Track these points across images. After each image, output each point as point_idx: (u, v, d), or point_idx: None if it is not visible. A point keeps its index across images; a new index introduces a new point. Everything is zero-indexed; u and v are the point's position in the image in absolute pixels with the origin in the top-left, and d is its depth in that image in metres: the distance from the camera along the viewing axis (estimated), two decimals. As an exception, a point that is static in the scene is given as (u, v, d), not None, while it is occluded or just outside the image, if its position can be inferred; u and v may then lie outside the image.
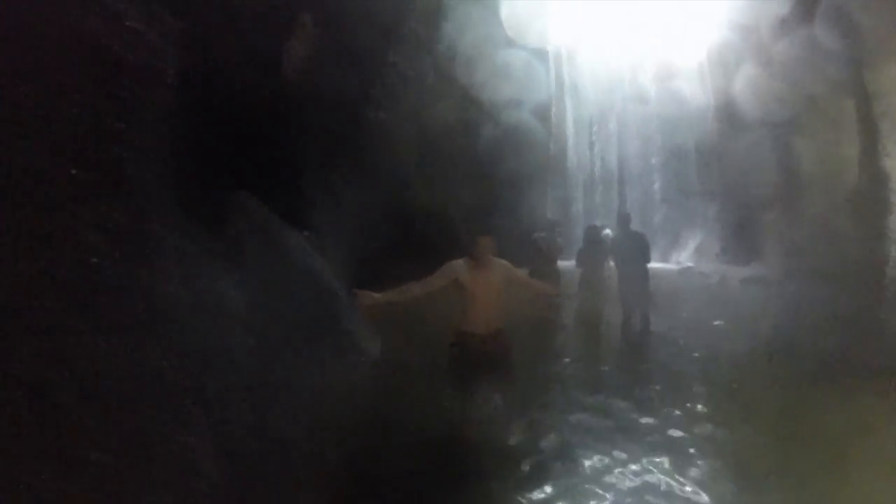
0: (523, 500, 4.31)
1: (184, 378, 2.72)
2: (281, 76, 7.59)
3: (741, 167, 18.45)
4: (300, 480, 3.49)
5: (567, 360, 8.20)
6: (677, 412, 5.95)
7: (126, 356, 2.36)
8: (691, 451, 5.04)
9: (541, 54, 19.76)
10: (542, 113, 20.44)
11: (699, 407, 6.16)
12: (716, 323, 10.21)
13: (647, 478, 4.59)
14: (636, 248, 8.94)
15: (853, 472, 4.48)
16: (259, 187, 6.70)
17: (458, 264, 5.09)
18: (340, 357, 7.00)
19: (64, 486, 1.96)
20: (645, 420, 5.79)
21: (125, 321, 2.39)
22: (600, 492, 4.38)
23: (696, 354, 8.27)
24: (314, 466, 3.88)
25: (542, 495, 4.36)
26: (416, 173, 12.52)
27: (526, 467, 4.79)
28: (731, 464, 4.80)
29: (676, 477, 4.55)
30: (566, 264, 10.49)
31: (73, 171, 2.22)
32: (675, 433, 5.43)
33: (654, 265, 9.48)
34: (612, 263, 9.65)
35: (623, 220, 9.53)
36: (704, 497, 4.24)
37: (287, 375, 5.08)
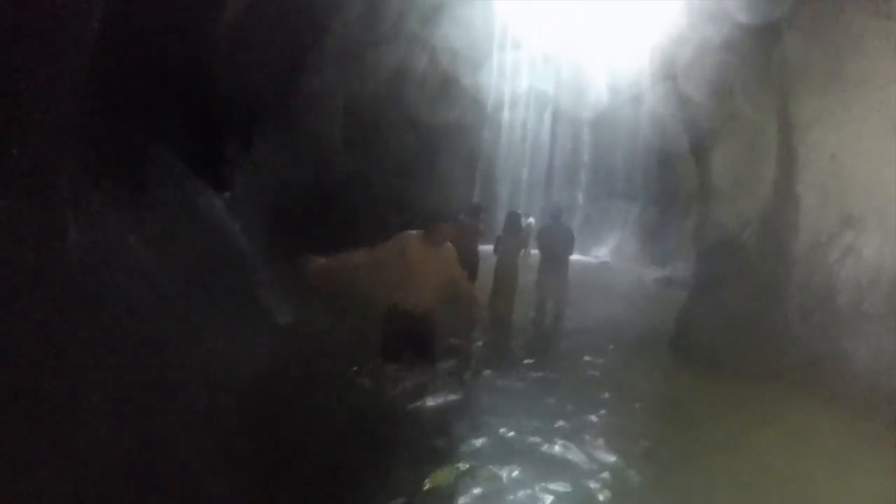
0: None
1: (73, 328, 2.64)
2: (214, 33, 7.35)
3: (663, 174, 19.13)
4: (200, 443, 3.44)
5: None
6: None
7: (12, 303, 2.27)
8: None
9: (483, 40, 19.77)
10: (480, 96, 20.55)
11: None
12: (624, 317, 10.64)
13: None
14: (561, 240, 9.17)
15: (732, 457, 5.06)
16: (178, 144, 6.50)
17: (410, 237, 5.17)
18: (249, 322, 6.89)
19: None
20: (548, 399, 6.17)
21: (14, 267, 2.30)
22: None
23: (612, 346, 8.60)
24: (214, 429, 3.84)
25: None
26: (342, 143, 12.38)
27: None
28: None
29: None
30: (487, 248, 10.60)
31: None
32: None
33: (573, 257, 9.72)
34: (532, 252, 9.85)
35: (555, 210, 9.74)
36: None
37: (188, 335, 4.97)
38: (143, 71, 5.39)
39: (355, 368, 6.09)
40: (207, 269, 6.43)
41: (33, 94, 2.41)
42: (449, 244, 5.38)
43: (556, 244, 9.15)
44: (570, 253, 9.26)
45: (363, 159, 12.99)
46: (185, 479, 2.99)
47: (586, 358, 7.98)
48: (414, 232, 5.23)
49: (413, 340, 5.38)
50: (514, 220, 10.01)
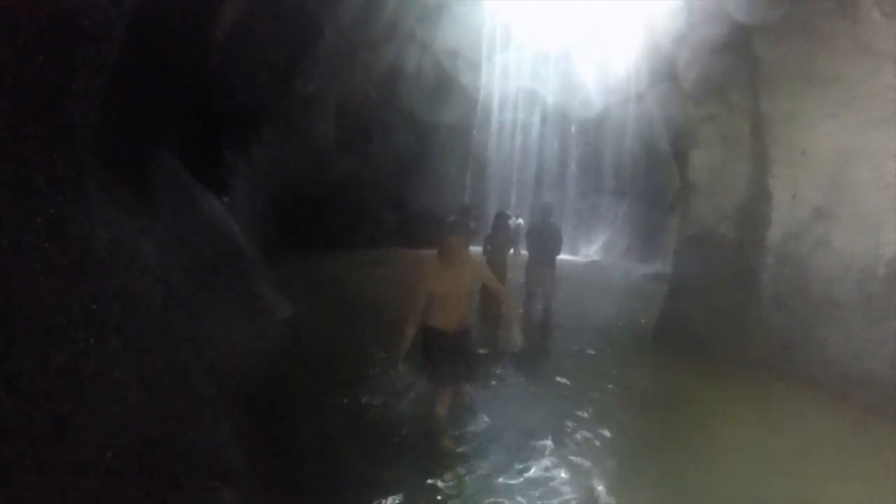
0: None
1: (108, 318, 2.97)
2: (210, 40, 7.65)
3: (651, 172, 19.49)
4: (209, 423, 3.75)
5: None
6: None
7: (63, 295, 2.60)
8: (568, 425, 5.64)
9: (475, 41, 20.08)
10: (472, 96, 20.85)
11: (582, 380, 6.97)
12: (612, 313, 10.97)
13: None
14: (550, 239, 9.36)
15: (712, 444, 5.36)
16: (182, 150, 6.81)
17: (428, 273, 5.00)
18: (249, 318, 7.24)
19: (9, 403, 2.21)
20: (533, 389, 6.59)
21: (64, 263, 2.63)
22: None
23: (598, 343, 8.84)
24: (221, 413, 4.14)
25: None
26: (336, 144, 12.67)
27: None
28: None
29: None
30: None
31: (23, 122, 2.43)
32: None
33: (562, 257, 9.96)
34: (522, 252, 10.05)
35: (544, 210, 9.85)
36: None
37: (194, 329, 5.31)
38: (148, 81, 5.70)
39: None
40: (211, 268, 6.78)
41: (74, 107, 2.73)
42: (470, 259, 5.24)
43: (545, 243, 9.33)
44: (559, 252, 9.44)
45: (357, 160, 13.26)
46: (198, 450, 3.31)
47: (574, 348, 8.40)
48: (427, 264, 5.09)
49: (454, 357, 5.19)
50: (502, 219, 10.20)
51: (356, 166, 13.04)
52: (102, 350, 2.81)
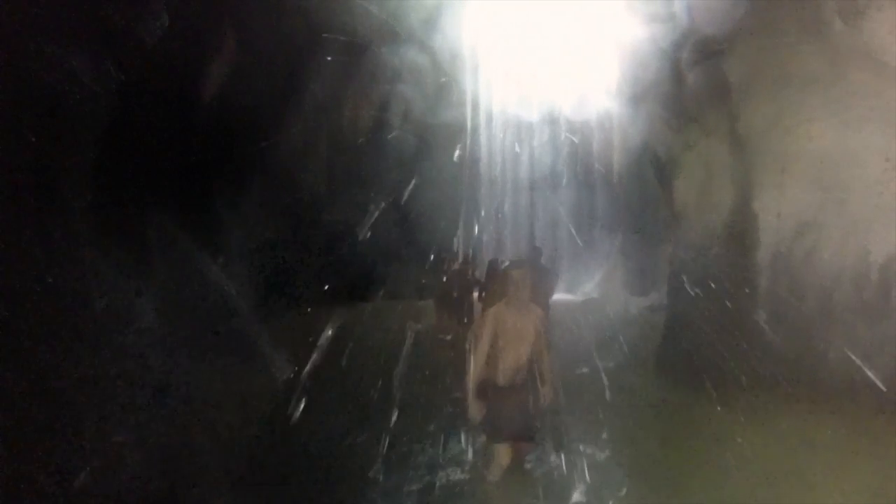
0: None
1: (107, 381, 3.00)
2: (200, 102, 7.78)
3: (640, 202, 19.58)
4: (211, 483, 3.75)
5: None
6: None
7: (62, 359, 2.64)
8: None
9: (460, 79, 20.32)
10: (458, 138, 21.06)
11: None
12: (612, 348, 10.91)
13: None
14: (541, 284, 9.14)
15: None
16: (172, 209, 6.86)
17: (497, 313, 4.74)
18: (248, 378, 7.19)
19: (18, 468, 2.23)
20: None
21: (61, 329, 2.67)
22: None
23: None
24: (222, 473, 4.13)
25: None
26: (327, 193, 12.76)
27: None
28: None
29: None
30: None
31: (19, 197, 2.50)
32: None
33: (558, 297, 9.92)
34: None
35: (534, 254, 9.84)
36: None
37: (194, 389, 5.31)
38: (138, 141, 5.78)
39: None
40: (208, 328, 6.78)
41: (66, 182, 2.82)
42: (533, 307, 5.02)
43: (534, 287, 9.23)
44: (551, 296, 9.37)
45: (348, 208, 13.30)
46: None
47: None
48: (496, 306, 4.83)
49: (509, 417, 4.77)
50: (494, 267, 10.14)
51: (347, 214, 13.06)
52: (102, 412, 2.83)
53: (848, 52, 6.49)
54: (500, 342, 4.68)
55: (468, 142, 22.36)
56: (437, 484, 5.22)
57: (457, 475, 5.37)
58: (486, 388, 4.77)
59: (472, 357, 4.67)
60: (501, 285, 4.90)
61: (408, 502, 4.95)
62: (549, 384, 4.99)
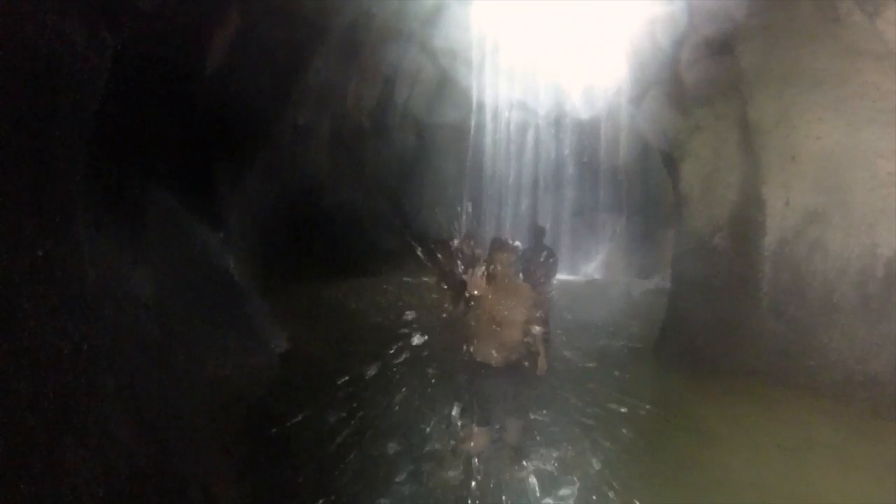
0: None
1: (99, 355, 2.95)
2: (202, 74, 7.69)
3: (645, 186, 19.53)
4: (203, 458, 3.72)
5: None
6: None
7: (52, 334, 2.58)
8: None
9: (465, 62, 20.17)
10: (463, 120, 20.97)
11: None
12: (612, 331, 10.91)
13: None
14: (543, 265, 9.06)
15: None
16: (172, 182, 6.82)
17: (482, 289, 4.65)
18: (245, 352, 7.18)
19: (5, 443, 2.18)
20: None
21: (53, 303, 2.61)
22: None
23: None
24: (216, 448, 4.10)
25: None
26: (328, 175, 12.70)
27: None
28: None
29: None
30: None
31: (8, 168, 2.44)
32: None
33: (561, 277, 9.88)
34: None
35: (537, 233, 9.79)
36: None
37: (189, 363, 5.28)
38: (138, 116, 5.71)
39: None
40: (206, 301, 6.75)
41: (58, 151, 2.74)
42: (524, 288, 5.00)
43: (538, 267, 9.05)
44: (553, 275, 9.29)
45: (351, 185, 13.27)
46: (192, 485, 3.28)
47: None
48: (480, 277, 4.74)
49: (497, 397, 4.75)
50: (498, 245, 10.04)
51: (349, 192, 13.03)
52: (94, 387, 2.79)
53: (861, 50, 6.39)
54: (489, 321, 4.71)
55: (473, 122, 22.44)
56: (426, 462, 5.25)
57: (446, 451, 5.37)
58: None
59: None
60: (488, 265, 4.83)
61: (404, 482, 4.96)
62: (543, 366, 4.93)
